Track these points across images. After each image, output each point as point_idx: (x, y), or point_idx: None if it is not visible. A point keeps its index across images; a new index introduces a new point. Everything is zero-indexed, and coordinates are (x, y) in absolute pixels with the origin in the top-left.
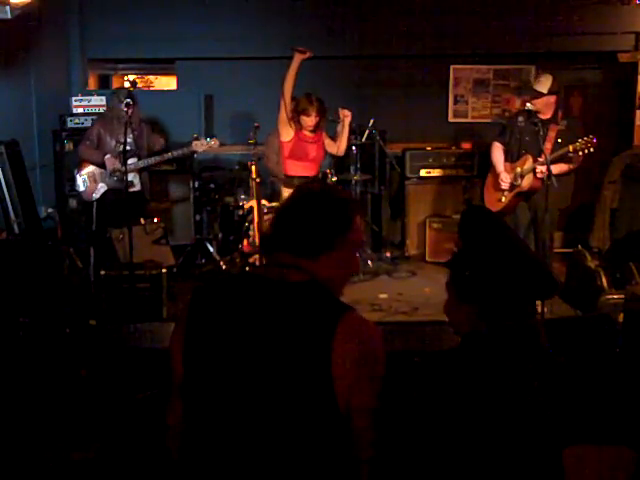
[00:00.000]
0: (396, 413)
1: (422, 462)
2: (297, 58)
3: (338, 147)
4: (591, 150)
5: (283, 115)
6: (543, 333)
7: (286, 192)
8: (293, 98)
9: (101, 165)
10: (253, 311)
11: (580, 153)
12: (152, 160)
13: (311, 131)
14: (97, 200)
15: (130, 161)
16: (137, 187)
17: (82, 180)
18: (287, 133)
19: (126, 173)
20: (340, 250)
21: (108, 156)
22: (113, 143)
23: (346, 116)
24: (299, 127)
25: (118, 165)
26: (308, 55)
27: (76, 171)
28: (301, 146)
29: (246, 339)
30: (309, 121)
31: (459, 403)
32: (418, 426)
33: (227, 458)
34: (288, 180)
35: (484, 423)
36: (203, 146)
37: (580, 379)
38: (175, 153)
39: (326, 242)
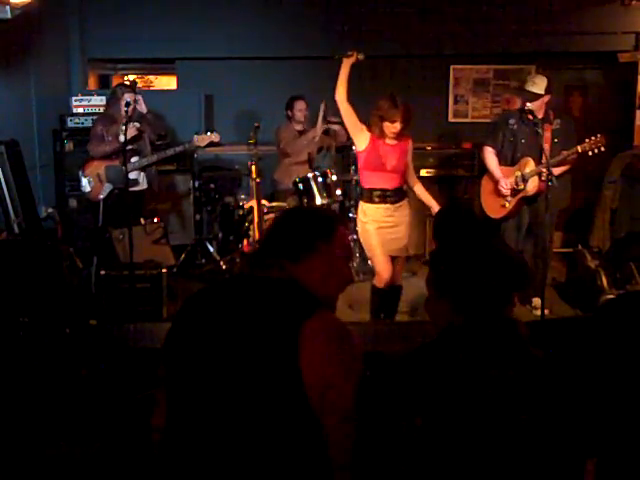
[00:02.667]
0: (373, 411)
1: (400, 457)
2: (345, 64)
3: (413, 184)
4: (602, 150)
5: (351, 123)
6: (523, 327)
7: (366, 207)
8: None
9: (119, 152)
10: (231, 307)
11: (590, 153)
12: (155, 157)
13: (393, 138)
14: (104, 199)
15: (133, 159)
16: (142, 185)
17: (87, 181)
18: (361, 142)
19: (127, 173)
20: (322, 256)
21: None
22: (115, 141)
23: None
24: (379, 134)
25: (135, 125)
26: (355, 57)
27: (80, 172)
28: (377, 155)
29: (221, 335)
30: (392, 128)
31: (435, 397)
32: (396, 423)
33: (202, 455)
34: (367, 193)
35: (461, 415)
36: (205, 140)
37: (569, 377)
38: (177, 149)
39: (307, 245)
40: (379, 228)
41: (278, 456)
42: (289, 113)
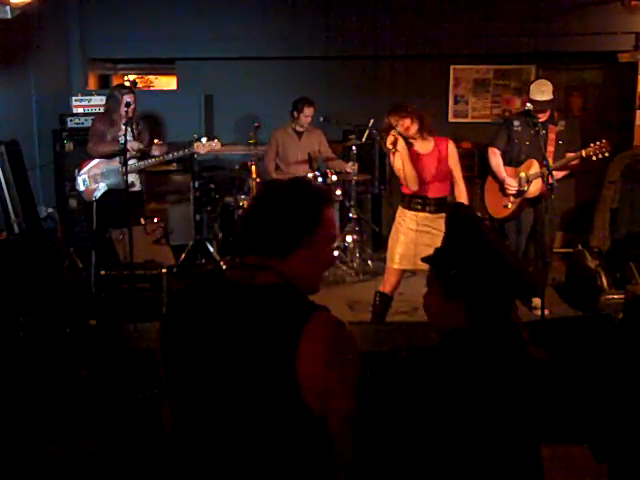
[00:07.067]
0: (375, 412)
1: (400, 463)
2: (401, 150)
3: (459, 193)
4: (606, 155)
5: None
6: (526, 333)
7: (403, 213)
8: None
9: (119, 153)
10: (221, 316)
11: (594, 158)
12: (153, 161)
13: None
14: (97, 200)
15: (130, 162)
16: (137, 187)
17: (82, 180)
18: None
19: (126, 174)
20: (310, 247)
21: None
22: (113, 141)
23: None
24: (398, 143)
25: (139, 145)
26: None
27: (77, 171)
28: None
29: (215, 344)
30: (401, 127)
31: (437, 402)
32: (397, 425)
33: (206, 458)
34: (406, 199)
35: (462, 421)
36: (205, 148)
37: (571, 378)
38: (176, 154)
39: (293, 240)
40: (416, 232)
41: (278, 460)
42: (295, 114)
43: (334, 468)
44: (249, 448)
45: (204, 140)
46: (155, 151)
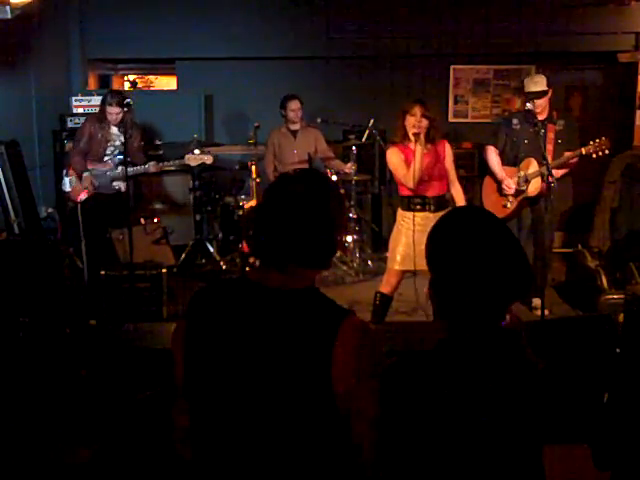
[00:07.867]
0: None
1: (402, 467)
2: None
3: (456, 192)
4: (606, 152)
5: (398, 167)
6: (524, 337)
7: (403, 215)
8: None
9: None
10: (253, 320)
11: (594, 156)
12: (142, 169)
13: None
14: (82, 202)
15: (118, 169)
16: (123, 189)
17: (69, 181)
18: (401, 165)
19: (127, 176)
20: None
21: (86, 174)
22: (103, 143)
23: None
24: (405, 136)
25: (95, 183)
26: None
27: (64, 171)
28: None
29: (247, 347)
30: (414, 121)
31: (433, 407)
32: (397, 430)
33: (231, 460)
34: (405, 201)
35: (459, 426)
36: (196, 160)
37: (569, 381)
38: (167, 164)
39: (333, 252)
40: (417, 233)
41: (306, 461)
42: (283, 112)
43: (359, 469)
44: (276, 448)
45: (197, 152)
46: (149, 166)
